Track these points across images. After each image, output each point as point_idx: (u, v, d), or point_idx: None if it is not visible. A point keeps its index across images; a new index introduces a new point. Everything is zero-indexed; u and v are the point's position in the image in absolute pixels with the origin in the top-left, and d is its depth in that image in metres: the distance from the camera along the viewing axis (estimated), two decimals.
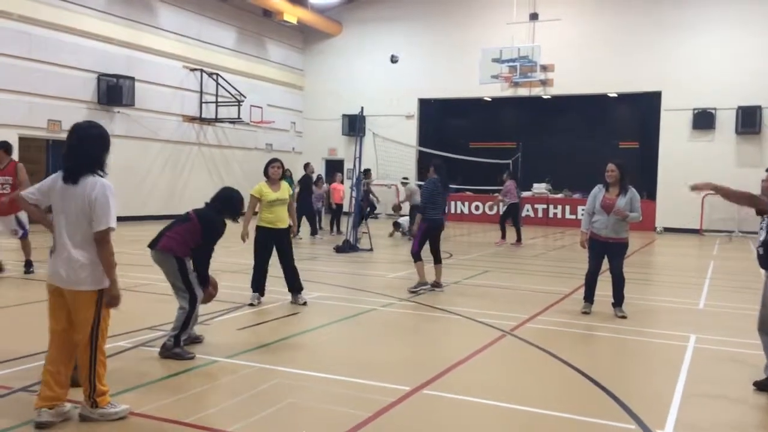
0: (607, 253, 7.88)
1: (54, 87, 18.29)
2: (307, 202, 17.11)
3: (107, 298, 4.08)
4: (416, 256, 9.30)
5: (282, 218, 7.99)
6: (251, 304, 7.87)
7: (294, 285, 8.11)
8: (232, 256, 11.17)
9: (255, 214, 8.07)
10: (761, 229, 5.22)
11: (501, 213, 17.16)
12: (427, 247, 9.40)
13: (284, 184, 8.16)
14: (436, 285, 9.37)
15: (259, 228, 7.97)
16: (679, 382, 5.32)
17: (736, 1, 22.23)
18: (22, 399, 4.49)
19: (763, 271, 5.28)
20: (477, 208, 25.10)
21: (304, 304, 8.02)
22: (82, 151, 4.07)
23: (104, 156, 4.14)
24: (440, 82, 26.11)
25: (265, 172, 8.08)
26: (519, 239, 16.55)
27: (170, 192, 21.91)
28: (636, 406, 4.68)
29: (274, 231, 7.93)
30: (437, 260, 9.44)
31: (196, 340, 6.07)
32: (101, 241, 3.99)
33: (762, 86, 21.64)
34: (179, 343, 5.63)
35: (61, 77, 18.52)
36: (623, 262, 7.94)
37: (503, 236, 16.59)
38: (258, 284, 8.02)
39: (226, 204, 5.99)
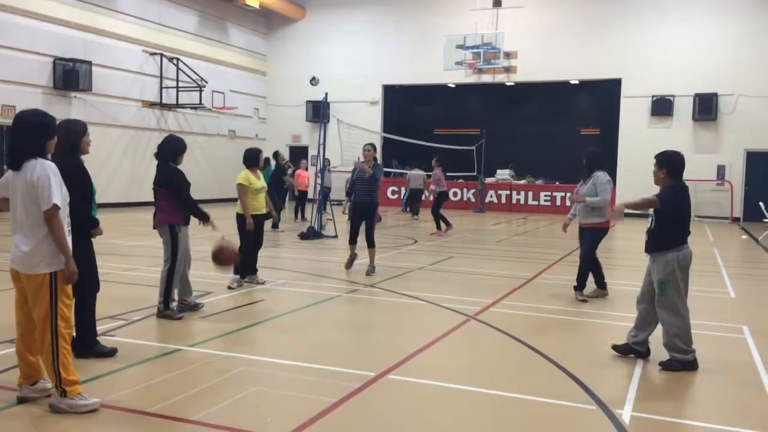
0: (580, 237, 8.16)
1: (8, 71, 17.76)
2: (280, 193, 16.35)
3: (65, 274, 4.10)
4: (349, 239, 9.78)
5: (263, 204, 8.42)
6: (230, 287, 8.12)
7: (254, 268, 8.51)
8: (194, 243, 10.99)
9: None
10: (650, 218, 5.58)
11: (433, 202, 16.20)
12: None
13: (260, 173, 8.56)
14: (369, 267, 9.58)
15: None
16: (638, 362, 5.46)
17: None
18: None
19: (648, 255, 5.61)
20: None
21: (240, 286, 8.22)
22: (21, 139, 4.15)
23: (44, 143, 4.18)
24: (404, 68, 26.10)
25: (256, 161, 8.35)
26: (448, 224, 15.60)
27: (131, 179, 21.52)
28: (596, 387, 4.79)
29: (259, 217, 8.36)
30: (369, 244, 9.58)
31: (195, 307, 6.88)
32: (50, 220, 4.02)
33: (718, 74, 22.14)
34: (168, 306, 6.55)
35: (15, 61, 17.99)
36: (592, 247, 8.07)
37: (440, 226, 15.64)
38: (244, 269, 8.25)
39: (168, 152, 6.69)
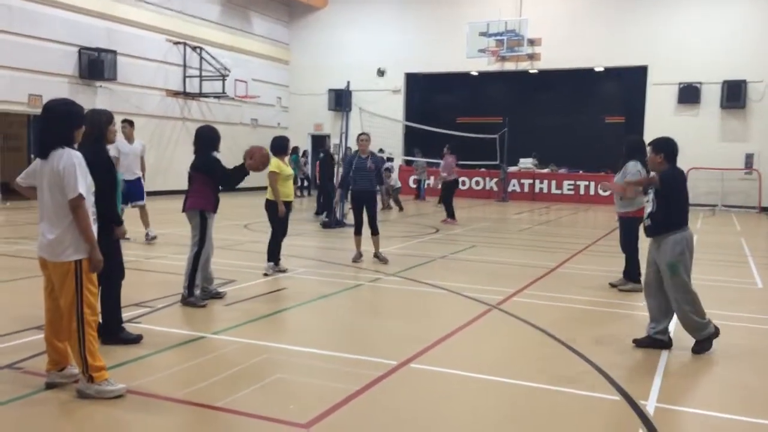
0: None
1: (34, 61, 17.97)
2: (329, 183, 15.73)
3: (91, 263, 4.15)
4: (354, 230, 9.70)
5: (292, 191, 8.75)
6: (266, 274, 8.30)
7: (279, 254, 8.64)
8: (217, 232, 11.08)
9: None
10: (648, 202, 5.71)
11: (444, 190, 15.96)
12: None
13: (287, 161, 8.83)
14: (376, 256, 9.55)
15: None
16: (663, 353, 5.40)
17: None
18: (8, 376, 4.50)
19: (649, 240, 5.75)
20: (464, 183, 25.05)
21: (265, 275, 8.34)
22: (49, 127, 4.20)
23: (72, 132, 4.24)
24: (427, 57, 25.94)
25: (285, 150, 8.72)
26: (452, 215, 15.52)
27: (155, 168, 21.61)
28: (620, 377, 4.75)
29: (288, 204, 8.58)
30: (373, 232, 9.52)
31: (217, 295, 6.90)
32: (75, 209, 4.07)
33: (747, 61, 21.70)
34: (192, 293, 6.58)
35: (42, 51, 18.20)
36: (628, 237, 7.99)
37: (451, 214, 15.51)
38: (275, 255, 8.48)
39: (208, 142, 6.76)
